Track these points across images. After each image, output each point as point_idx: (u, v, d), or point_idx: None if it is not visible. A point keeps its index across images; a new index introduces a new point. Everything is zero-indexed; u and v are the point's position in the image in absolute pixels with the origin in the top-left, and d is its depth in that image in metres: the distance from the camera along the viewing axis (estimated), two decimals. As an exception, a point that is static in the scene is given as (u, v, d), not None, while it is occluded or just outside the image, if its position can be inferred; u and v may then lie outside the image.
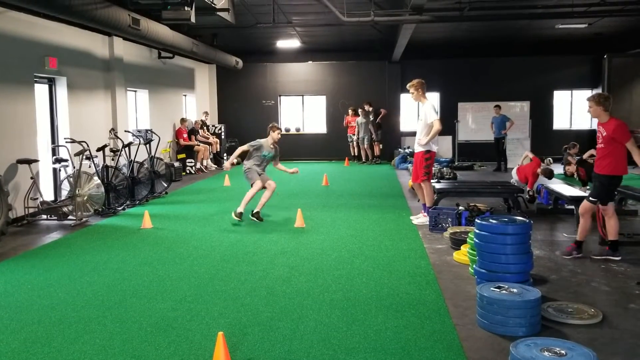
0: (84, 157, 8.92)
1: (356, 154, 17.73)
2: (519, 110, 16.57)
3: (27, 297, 5.08)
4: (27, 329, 4.31)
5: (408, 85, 8.06)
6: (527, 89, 17.47)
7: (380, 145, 17.53)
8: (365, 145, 17.28)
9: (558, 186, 9.29)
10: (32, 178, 8.58)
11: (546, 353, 3.20)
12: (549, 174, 9.32)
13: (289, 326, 4.28)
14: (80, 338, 4.10)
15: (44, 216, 8.77)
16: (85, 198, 8.62)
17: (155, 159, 10.90)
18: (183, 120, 15.41)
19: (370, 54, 17.89)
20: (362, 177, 14.02)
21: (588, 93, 16.59)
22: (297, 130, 18.74)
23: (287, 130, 18.75)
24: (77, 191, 8.51)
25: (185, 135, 15.26)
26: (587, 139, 16.70)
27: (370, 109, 17.12)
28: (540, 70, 17.84)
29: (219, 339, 3.54)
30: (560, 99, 18.22)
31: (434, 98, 17.79)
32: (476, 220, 5.15)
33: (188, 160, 15.08)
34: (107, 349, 3.91)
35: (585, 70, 17.89)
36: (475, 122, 17.00)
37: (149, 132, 11.64)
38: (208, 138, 16.31)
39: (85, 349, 3.90)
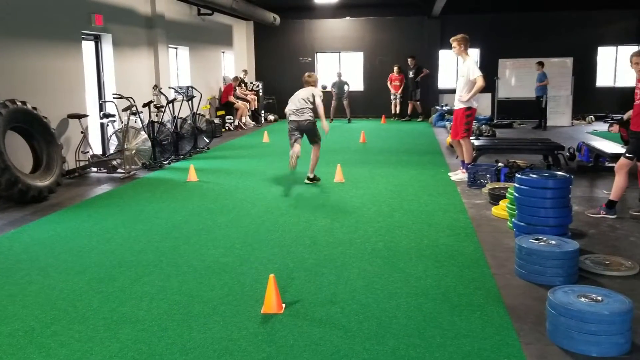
0: (131, 112, 9.23)
1: (398, 112, 17.70)
2: (561, 66, 16.13)
3: (87, 242, 5.43)
4: (90, 270, 4.65)
5: (452, 39, 8.02)
6: (570, 44, 16.92)
7: (418, 103, 17.48)
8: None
9: (599, 143, 9.21)
10: (82, 132, 8.95)
11: (583, 299, 3.34)
12: None
13: (334, 272, 4.51)
14: (140, 279, 4.42)
15: (94, 169, 9.17)
16: (134, 152, 8.96)
17: (197, 115, 11.17)
18: (236, 79, 15.69)
19: (408, 9, 17.59)
20: (400, 135, 14.06)
21: (634, 49, 16.07)
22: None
23: (324, 87, 18.74)
24: (125, 145, 8.85)
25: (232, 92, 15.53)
26: (631, 97, 16.21)
27: (413, 64, 17.04)
28: (584, 25, 17.25)
29: (270, 281, 3.80)
30: (605, 55, 17.66)
31: (474, 54, 17.48)
32: (517, 175, 5.24)
33: (227, 117, 15.34)
34: (166, 289, 4.22)
35: (632, 25, 17.23)
36: (516, 78, 16.66)
37: (190, 88, 11.90)
38: (246, 95, 16.50)
39: (146, 289, 4.21)
